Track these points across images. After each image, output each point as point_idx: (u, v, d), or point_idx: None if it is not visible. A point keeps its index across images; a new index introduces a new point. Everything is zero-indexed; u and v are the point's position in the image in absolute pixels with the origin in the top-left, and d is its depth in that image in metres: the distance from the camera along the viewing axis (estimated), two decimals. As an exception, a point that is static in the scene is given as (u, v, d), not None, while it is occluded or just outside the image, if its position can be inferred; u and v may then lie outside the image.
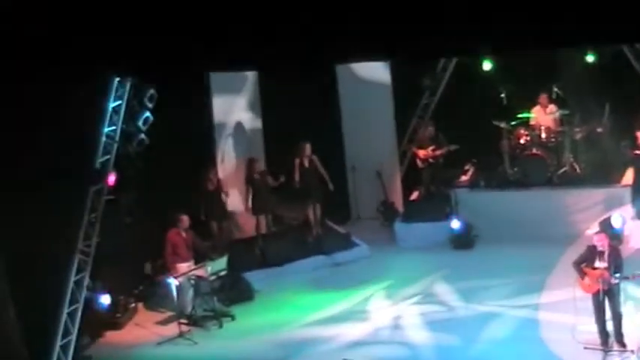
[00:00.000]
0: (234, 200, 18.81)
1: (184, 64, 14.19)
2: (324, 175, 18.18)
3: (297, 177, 18.17)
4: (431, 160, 19.35)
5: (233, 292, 16.59)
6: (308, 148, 18.09)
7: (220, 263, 16.07)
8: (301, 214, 18.96)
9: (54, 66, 13.26)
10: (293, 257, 17.97)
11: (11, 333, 13.67)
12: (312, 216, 18.62)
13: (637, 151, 17.53)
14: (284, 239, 18.55)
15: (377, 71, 19.68)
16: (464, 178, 19.43)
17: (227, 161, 19.05)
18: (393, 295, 16.24)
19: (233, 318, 15.96)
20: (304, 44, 13.50)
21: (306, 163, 18.14)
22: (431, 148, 19.27)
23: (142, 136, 14.96)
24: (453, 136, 19.15)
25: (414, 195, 19.81)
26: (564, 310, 14.04)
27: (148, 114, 14.93)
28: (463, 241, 18.12)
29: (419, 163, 19.55)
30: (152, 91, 14.91)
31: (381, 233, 19.49)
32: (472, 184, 19.15)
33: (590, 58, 18.57)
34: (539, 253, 16.72)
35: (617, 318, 12.83)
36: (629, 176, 18.12)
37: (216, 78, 18.48)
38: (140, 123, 14.88)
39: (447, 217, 18.52)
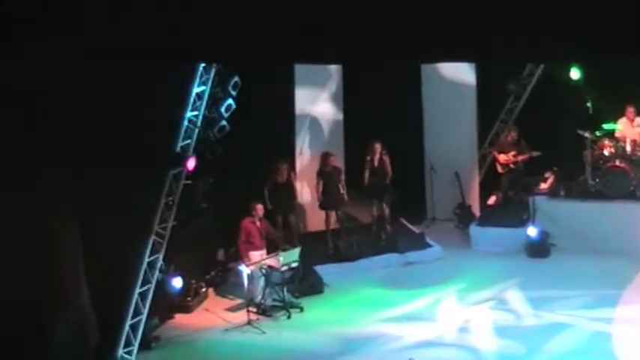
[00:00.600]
0: (307, 194, 18.84)
1: (270, 54, 14.24)
2: (388, 176, 18.12)
3: (366, 175, 18.18)
4: (511, 165, 19.15)
5: (303, 284, 16.64)
6: (378, 147, 18.07)
7: (293, 255, 16.12)
8: (368, 212, 18.87)
9: (142, 51, 13.44)
10: (365, 254, 17.94)
11: (86, 310, 13.95)
12: (378, 215, 18.57)
13: None
14: (357, 235, 18.50)
15: (462, 72, 19.51)
16: (544, 185, 19.17)
17: (305, 154, 19.09)
18: (463, 298, 16.12)
19: (302, 310, 16.01)
20: (391, 41, 13.47)
21: (376, 162, 18.12)
22: (512, 153, 19.07)
23: (224, 122, 15.04)
24: (535, 143, 18.91)
25: (492, 199, 19.63)
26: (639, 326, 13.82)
27: (230, 101, 15.01)
28: (539, 249, 17.88)
29: (499, 167, 19.36)
30: (236, 78, 14.99)
31: (455, 235, 19.35)
32: (552, 193, 18.86)
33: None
34: (616, 267, 16.48)
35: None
36: None
37: (300, 70, 18.52)
38: (222, 109, 14.96)
39: (524, 224, 18.30)
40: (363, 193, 18.69)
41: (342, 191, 18.08)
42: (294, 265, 16.13)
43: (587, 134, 18.31)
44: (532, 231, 17.99)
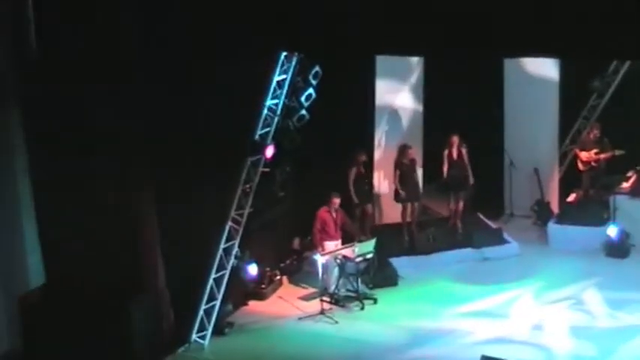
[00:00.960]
0: (384, 185, 18.83)
1: (351, 44, 14.23)
2: (467, 169, 18.02)
3: (445, 168, 18.12)
4: (593, 163, 18.90)
5: (378, 275, 16.65)
6: (456, 140, 17.99)
7: (368, 246, 16.15)
8: (446, 205, 18.80)
9: (226, 39, 13.58)
10: (441, 247, 17.89)
11: (162, 294, 14.20)
12: (455, 208, 18.50)
13: None
14: (433, 228, 18.43)
15: (545, 68, 19.26)
16: (625, 185, 18.85)
17: (384, 145, 19.06)
18: (539, 296, 15.98)
19: (375, 301, 16.03)
20: (474, 34, 13.35)
21: (455, 155, 18.03)
22: (594, 151, 18.82)
23: (303, 111, 15.08)
24: (618, 141, 18.63)
25: (572, 197, 19.37)
26: None
27: (311, 90, 15.04)
28: (618, 250, 17.63)
29: (580, 165, 19.11)
30: (317, 68, 15.01)
31: (533, 232, 19.17)
32: (633, 192, 18.55)
33: None
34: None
35: None
36: None
37: (381, 61, 18.48)
38: (302, 99, 15.00)
39: (604, 223, 18.05)
40: (441, 186, 18.63)
41: (418, 184, 18.03)
42: (369, 256, 16.16)
43: (671, 134, 18.01)
44: (612, 230, 17.74)
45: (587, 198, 19.12)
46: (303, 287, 16.91)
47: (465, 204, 18.56)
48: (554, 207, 19.67)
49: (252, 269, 15.83)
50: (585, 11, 12.29)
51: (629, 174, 19.02)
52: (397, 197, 18.09)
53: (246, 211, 15.04)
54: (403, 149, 17.92)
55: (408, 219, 18.23)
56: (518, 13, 12.66)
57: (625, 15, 12.05)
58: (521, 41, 13.24)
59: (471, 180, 18.17)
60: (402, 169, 17.87)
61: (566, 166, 20.37)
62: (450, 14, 12.90)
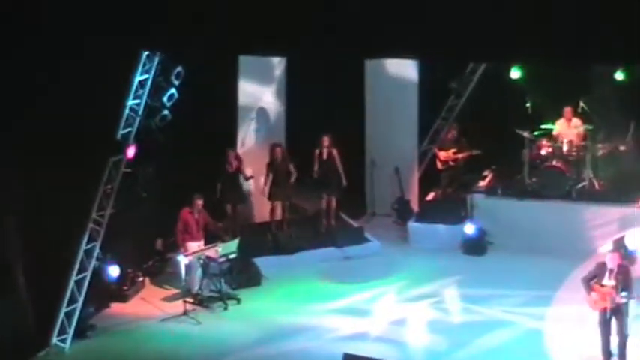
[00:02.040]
0: (252, 184, 18.91)
1: (214, 44, 14.25)
2: (339, 169, 18.26)
3: (315, 168, 18.28)
4: (451, 162, 19.38)
5: (241, 275, 16.69)
6: (327, 140, 18.16)
7: (231, 246, 16.21)
8: (316, 205, 19.00)
9: (86, 37, 13.42)
10: (304, 247, 18.06)
11: (20, 295, 13.89)
12: (325, 208, 18.69)
13: (658, 173, 17.52)
14: (297, 228, 18.61)
15: (405, 69, 19.64)
16: (482, 183, 19.41)
17: (247, 145, 19.14)
18: (400, 293, 16.29)
19: (239, 301, 16.07)
20: (335, 36, 13.53)
21: (325, 156, 18.22)
22: (452, 150, 19.30)
23: (166, 112, 15.02)
24: (475, 141, 19.17)
25: (431, 196, 19.81)
26: (571, 324, 14.11)
27: (173, 90, 14.99)
28: (475, 247, 18.12)
29: (439, 164, 19.57)
30: (179, 68, 14.97)
31: (394, 231, 19.51)
32: (490, 191, 19.12)
33: (619, 76, 18.53)
34: (552, 266, 16.76)
35: (622, 338, 12.80)
36: (648, 197, 18.13)
37: (244, 61, 18.54)
38: (165, 99, 14.94)
39: (462, 221, 18.54)
40: (311, 185, 18.79)
41: (290, 183, 18.18)
42: (233, 256, 16.20)
43: (525, 134, 18.59)
44: (469, 228, 18.23)
45: (445, 197, 19.57)
46: (166, 288, 16.82)
47: (332, 204, 18.75)
48: (415, 206, 20.06)
49: (114, 271, 15.68)
50: (440, 13, 12.65)
51: (486, 173, 19.60)
52: (269, 196, 18.20)
53: (108, 212, 14.86)
54: (274, 148, 18.03)
55: (277, 218, 18.35)
56: (379, 14, 12.92)
57: (480, 18, 12.46)
58: (381, 42, 13.52)
59: (344, 181, 18.39)
60: (274, 168, 17.98)
61: (425, 166, 20.77)
62: (311, 13, 13.07)
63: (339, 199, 18.74)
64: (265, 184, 18.14)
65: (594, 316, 13.04)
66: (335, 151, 18.23)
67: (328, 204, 18.66)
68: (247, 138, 19.20)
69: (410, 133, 20.19)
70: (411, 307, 15.74)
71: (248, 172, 18.15)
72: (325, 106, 18.67)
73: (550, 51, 12.84)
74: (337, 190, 18.52)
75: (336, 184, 18.41)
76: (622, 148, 18.63)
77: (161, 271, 17.39)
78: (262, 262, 17.23)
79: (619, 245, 16.64)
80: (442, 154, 19.45)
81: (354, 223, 19.41)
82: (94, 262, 14.84)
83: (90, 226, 14.66)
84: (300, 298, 16.19)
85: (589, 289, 12.89)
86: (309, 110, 18.71)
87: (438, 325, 15.02)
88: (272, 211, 18.36)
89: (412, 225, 18.95)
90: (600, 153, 18.51)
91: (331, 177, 18.31)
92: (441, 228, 18.65)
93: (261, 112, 19.35)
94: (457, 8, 12.57)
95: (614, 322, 12.80)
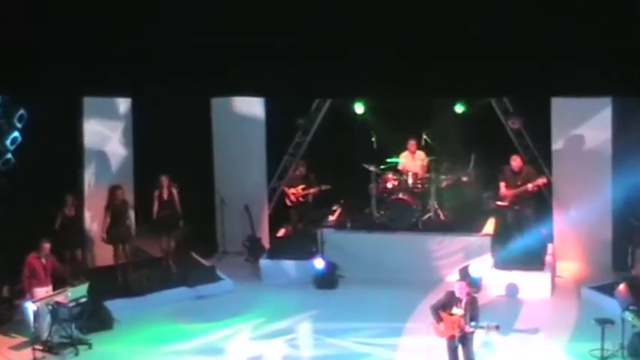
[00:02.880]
0: (95, 227, 18.71)
1: (56, 86, 14.10)
2: (178, 210, 18.28)
3: (155, 209, 18.22)
4: (300, 198, 19.60)
5: (92, 320, 16.40)
6: (166, 179, 18.16)
7: (81, 290, 15.94)
8: (158, 245, 18.91)
9: None
10: (156, 288, 17.90)
11: None
12: (167, 248, 18.64)
13: (498, 202, 18.15)
14: (147, 269, 18.46)
15: (251, 106, 19.84)
16: (331, 218, 19.74)
17: (94, 188, 18.92)
18: (254, 331, 16.31)
19: (90, 346, 15.78)
20: (181, 76, 13.60)
21: (165, 195, 18.21)
22: (301, 186, 19.54)
23: (9, 155, 14.78)
24: (323, 177, 19.44)
25: (281, 232, 19.97)
26: (422, 353, 14.43)
27: (16, 134, 14.78)
28: (326, 281, 18.33)
29: (288, 201, 19.77)
30: (22, 111, 14.77)
31: (246, 268, 19.56)
32: (339, 225, 19.45)
33: (459, 108, 19.24)
34: (402, 296, 17.14)
35: (469, 364, 13.27)
36: (490, 226, 18.77)
37: (89, 102, 18.38)
38: (8, 142, 14.71)
39: (313, 256, 18.72)
40: (152, 226, 18.70)
41: (130, 225, 18.05)
42: (83, 300, 15.96)
43: (372, 168, 19.01)
44: (319, 263, 18.45)
45: (296, 232, 19.77)
46: (14, 337, 16.34)
47: (178, 244, 18.71)
48: (266, 242, 20.20)
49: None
50: (288, 50, 12.89)
51: (335, 208, 19.93)
52: (108, 239, 18.00)
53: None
54: (113, 190, 17.89)
55: (121, 260, 18.18)
56: (225, 53, 13.07)
57: (326, 53, 12.76)
58: (227, 80, 13.68)
59: (181, 222, 18.39)
60: (113, 210, 17.82)
61: (275, 202, 20.93)
62: (153, 52, 13.11)
63: (179, 240, 18.69)
64: (104, 226, 17.98)
65: (443, 344, 13.40)
66: (175, 190, 18.24)
67: (168, 244, 18.61)
68: (93, 180, 18.97)
69: (258, 170, 20.37)
70: (266, 344, 15.76)
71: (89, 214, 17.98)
72: (172, 145, 18.66)
73: (389, 85, 13.27)
74: (177, 230, 18.49)
75: (176, 223, 18.42)
76: (464, 178, 19.30)
77: (8, 319, 16.93)
78: (113, 306, 16.98)
79: (464, 274, 17.14)
80: (291, 191, 19.66)
81: (206, 262, 19.37)
82: None
83: None
84: (154, 340, 16.02)
85: (438, 317, 13.24)
86: (157, 149, 18.68)
87: (292, 361, 15.15)
88: (115, 253, 18.17)
89: (264, 262, 19.06)
90: (444, 184, 19.10)
91: (173, 217, 18.31)
92: (292, 264, 18.81)
93: (108, 153, 19.18)
94: (297, 46, 12.84)
95: (461, 350, 13.20)
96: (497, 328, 13.11)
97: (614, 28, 12.16)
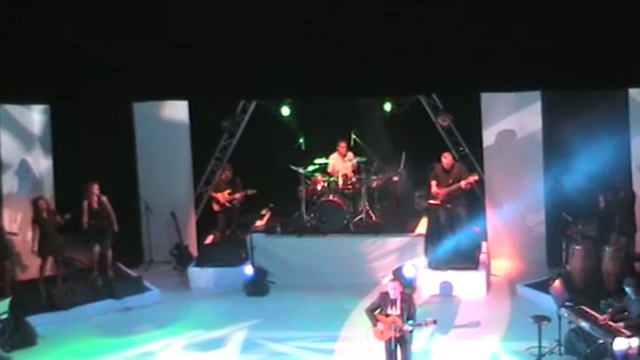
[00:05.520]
0: (20, 240, 18.44)
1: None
2: (111, 217, 18.12)
3: (85, 218, 18.02)
4: (227, 204, 19.53)
5: (15, 336, 16.15)
6: (96, 188, 17.96)
7: (2, 306, 15.73)
8: (90, 256, 18.71)
9: None
10: (81, 301, 17.66)
11: None
12: (100, 258, 18.44)
13: (430, 201, 18.30)
14: (72, 282, 18.23)
15: (175, 110, 19.73)
16: (260, 223, 19.69)
17: (13, 200, 18.65)
18: (185, 341, 16.21)
19: (13, 364, 15.63)
20: (100, 81, 13.52)
21: (95, 204, 18.04)
22: (227, 191, 19.46)
23: None
24: (251, 180, 19.40)
25: (209, 239, 19.88)
26: (359, 358, 14.49)
27: None
28: (257, 288, 18.27)
29: (215, 206, 19.69)
30: None
31: (174, 277, 19.46)
32: (268, 230, 19.44)
33: (387, 107, 19.38)
34: (336, 302, 17.21)
35: (408, 365, 13.36)
36: (422, 226, 18.92)
37: (4, 111, 18.13)
38: None
39: (243, 262, 18.69)
40: (82, 237, 18.49)
41: (58, 236, 17.84)
42: (4, 317, 15.73)
43: (300, 170, 19.04)
44: (249, 269, 18.40)
45: (224, 238, 19.73)
46: None
47: (107, 254, 18.48)
48: (194, 250, 20.12)
49: None
50: (212, 52, 12.90)
51: (264, 212, 19.84)
52: (39, 252, 17.77)
53: None
54: (36, 202, 17.66)
55: (48, 273, 17.94)
56: (142, 57, 13.03)
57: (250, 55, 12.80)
58: (151, 86, 13.63)
59: (116, 227, 18.21)
60: (42, 222, 17.59)
61: (202, 208, 20.81)
62: (71, 58, 13.02)
63: (113, 248, 18.55)
64: (34, 239, 17.75)
65: (380, 347, 13.47)
66: (105, 198, 18.06)
67: (103, 254, 18.43)
68: (13, 192, 18.70)
69: (184, 175, 20.27)
70: (198, 356, 15.69)
71: (13, 227, 17.72)
72: (94, 153, 18.47)
73: (313, 87, 13.37)
74: (110, 239, 18.35)
75: (109, 232, 18.26)
76: (395, 178, 19.47)
77: None
78: (37, 321, 16.69)
79: (398, 275, 17.25)
80: (218, 196, 19.58)
81: (132, 273, 19.20)
82: None
83: None
84: (79, 356, 15.78)
85: (374, 319, 13.31)
86: (78, 158, 18.47)
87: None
88: (42, 266, 17.92)
89: (192, 270, 18.94)
90: (375, 184, 19.21)
91: (103, 226, 18.14)
92: (221, 271, 18.72)
93: (26, 165, 18.92)
94: (220, 48, 12.85)
95: (399, 352, 13.28)
96: (434, 322, 13.25)
97: (545, 21, 12.39)
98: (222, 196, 19.47)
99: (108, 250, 18.41)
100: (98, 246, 18.34)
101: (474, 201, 18.86)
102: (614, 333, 13.38)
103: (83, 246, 18.81)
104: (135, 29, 13.16)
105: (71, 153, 18.81)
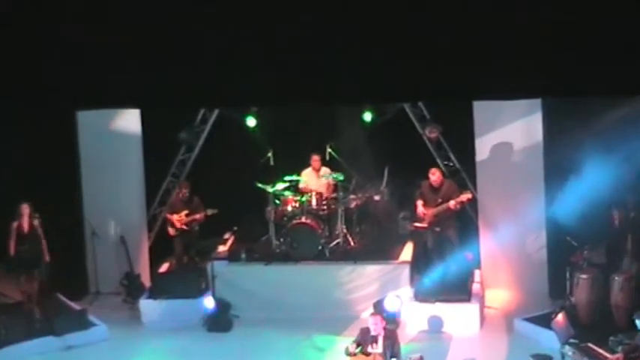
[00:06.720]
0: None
1: None
2: (42, 243, 17.76)
3: (11, 245, 17.69)
4: (184, 226, 19.24)
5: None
6: (27, 209, 17.61)
7: None
8: (19, 288, 18.33)
9: None
10: (15, 339, 17.27)
11: None
12: (29, 290, 18.04)
13: (417, 224, 18.14)
14: (5, 317, 17.89)
15: (125, 120, 19.46)
16: (223, 248, 19.49)
17: None
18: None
19: None
20: (39, 86, 13.26)
21: (26, 228, 17.68)
22: (185, 212, 19.17)
23: None
24: (212, 200, 19.12)
25: (164, 267, 19.62)
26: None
27: None
28: (219, 323, 18.00)
29: (171, 230, 19.39)
30: None
31: (124, 311, 19.13)
32: (232, 256, 19.19)
33: (368, 117, 19.20)
34: (309, 338, 17.15)
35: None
36: (408, 252, 18.74)
37: None
38: None
39: (202, 293, 18.44)
40: (10, 265, 18.11)
41: None
42: None
43: (268, 188, 18.82)
44: (209, 302, 18.13)
45: (181, 266, 19.45)
46: None
47: (42, 284, 18.18)
48: (146, 280, 19.78)
49: None
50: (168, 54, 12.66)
51: (226, 236, 19.61)
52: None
53: None
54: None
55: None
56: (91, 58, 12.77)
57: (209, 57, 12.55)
58: (93, 91, 13.36)
59: (47, 256, 17.86)
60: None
61: (156, 232, 20.51)
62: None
63: (43, 280, 18.17)
64: None
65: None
66: (37, 222, 17.70)
67: (30, 286, 18.05)
68: None
69: (135, 194, 19.94)
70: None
71: None
72: (30, 168, 18.16)
73: (286, 96, 13.13)
74: (40, 268, 17.99)
75: (40, 260, 17.89)
76: (376, 197, 19.33)
77: None
78: (-36, 363, 16.51)
79: (379, 308, 17.07)
80: (174, 218, 19.29)
81: (75, 306, 18.82)
82: None
83: None
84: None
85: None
86: (11, 174, 18.15)
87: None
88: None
89: (144, 302, 18.63)
90: (353, 205, 19.06)
91: (37, 253, 17.77)
92: (178, 303, 18.44)
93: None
94: (178, 48, 12.64)
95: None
96: (420, 359, 13.11)
97: (540, 23, 12.24)
98: (179, 217, 19.18)
99: (38, 281, 18.01)
100: (27, 276, 17.94)
101: (465, 223, 18.77)
102: (626, 375, 13.24)
103: (10, 276, 18.44)
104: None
105: (3, 168, 18.45)
